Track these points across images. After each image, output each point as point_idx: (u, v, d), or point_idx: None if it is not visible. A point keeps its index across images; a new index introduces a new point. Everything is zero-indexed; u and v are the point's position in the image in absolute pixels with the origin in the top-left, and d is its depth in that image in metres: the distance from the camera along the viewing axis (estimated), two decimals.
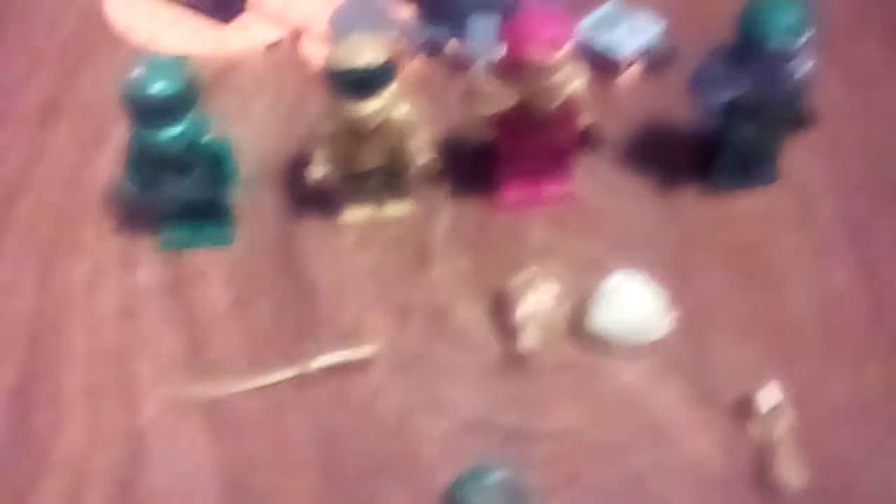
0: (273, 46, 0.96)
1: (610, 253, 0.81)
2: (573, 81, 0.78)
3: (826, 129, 0.87)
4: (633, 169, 0.87)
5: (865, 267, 0.81)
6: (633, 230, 0.84)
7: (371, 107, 0.76)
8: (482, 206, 0.85)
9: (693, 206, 0.85)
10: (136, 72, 0.74)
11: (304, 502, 0.71)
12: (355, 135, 0.78)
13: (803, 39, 0.76)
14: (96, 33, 0.99)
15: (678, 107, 0.85)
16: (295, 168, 0.84)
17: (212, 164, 0.79)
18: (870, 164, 0.87)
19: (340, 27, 0.94)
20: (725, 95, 0.79)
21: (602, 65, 0.91)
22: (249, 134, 0.88)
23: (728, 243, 0.83)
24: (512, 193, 0.85)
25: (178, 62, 0.75)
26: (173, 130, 0.75)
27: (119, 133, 0.83)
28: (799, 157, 0.86)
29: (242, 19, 0.97)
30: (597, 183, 0.86)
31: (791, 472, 0.70)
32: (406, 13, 0.95)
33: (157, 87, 0.73)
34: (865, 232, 0.83)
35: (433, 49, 0.93)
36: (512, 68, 0.77)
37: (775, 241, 0.83)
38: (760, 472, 0.71)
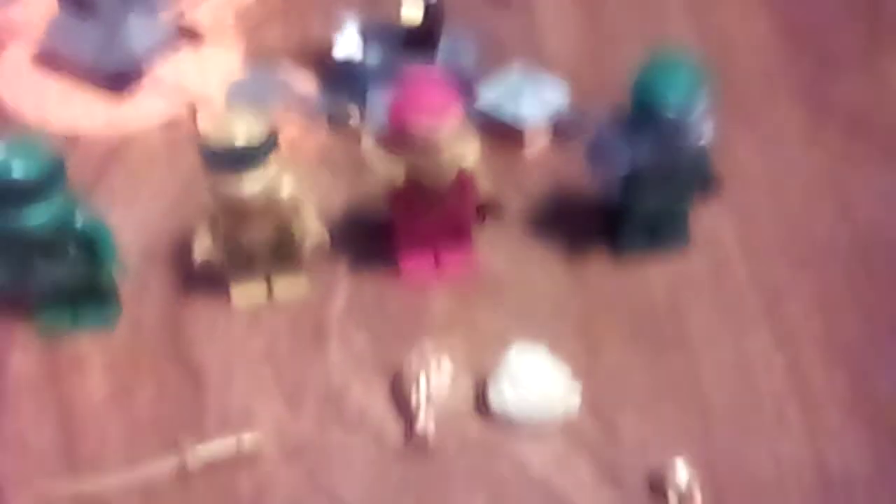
0: (169, 123, 0.92)
1: (514, 326, 0.77)
2: (465, 154, 0.74)
3: (738, 190, 0.84)
4: (540, 238, 0.84)
5: (779, 334, 0.78)
6: (538, 301, 0.80)
7: (251, 186, 0.72)
8: (382, 280, 0.81)
9: (601, 273, 0.81)
10: None
11: None
12: (238, 213, 0.74)
13: (699, 107, 0.74)
14: None
15: (585, 175, 0.82)
16: (184, 248, 0.79)
17: (87, 248, 0.74)
18: (782, 226, 0.84)
19: (238, 101, 0.90)
20: (623, 168, 0.76)
21: (507, 134, 0.88)
22: (139, 214, 0.83)
23: (638, 311, 0.79)
24: (412, 267, 0.81)
25: (41, 143, 0.71)
26: (40, 214, 0.70)
27: None
28: (710, 219, 0.83)
29: (138, 94, 0.93)
30: (501, 253, 0.82)
31: None
32: (307, 85, 0.92)
33: (19, 170, 0.69)
34: (779, 297, 0.80)
35: (335, 121, 0.90)
36: (398, 141, 0.73)
37: (687, 307, 0.79)
38: None
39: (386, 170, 0.74)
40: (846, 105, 0.93)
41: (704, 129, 0.75)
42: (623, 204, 0.80)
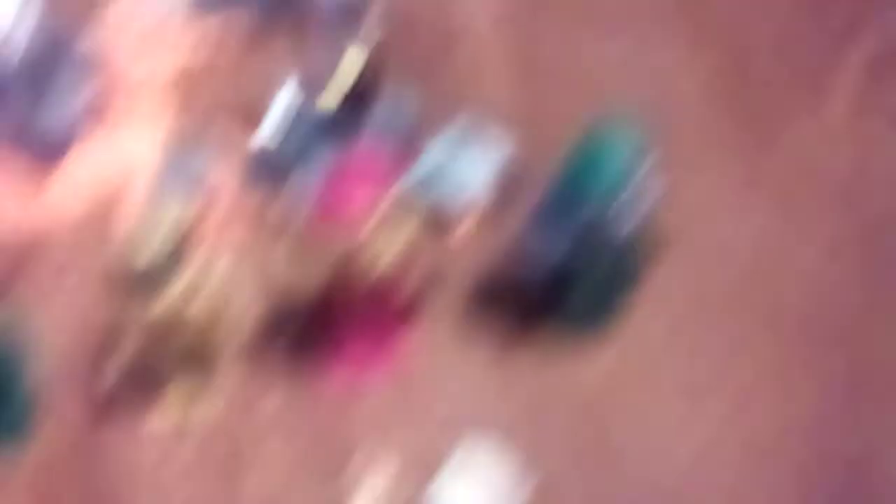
0: (83, 222, 0.88)
1: (451, 430, 0.76)
2: (391, 248, 0.73)
3: (673, 268, 0.83)
4: (472, 334, 0.82)
5: (728, 410, 0.77)
6: (473, 401, 0.79)
7: (161, 304, 0.70)
8: (310, 389, 0.79)
9: (530, 375, 0.80)
10: None
11: None
12: (151, 333, 0.72)
13: (628, 188, 0.72)
14: None
15: (519, 267, 0.80)
16: (98, 363, 0.77)
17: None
18: (717, 308, 0.84)
19: (156, 195, 0.87)
20: (553, 252, 0.74)
21: (436, 221, 0.86)
22: (50, 326, 0.80)
23: (574, 404, 0.79)
24: (340, 375, 0.79)
25: None
26: None
27: None
28: (641, 305, 0.82)
29: (50, 190, 0.88)
30: (433, 355, 0.81)
31: None
32: (227, 173, 0.89)
33: None
34: (708, 396, 0.79)
35: (260, 213, 0.87)
36: (324, 234, 0.72)
37: (617, 411, 0.80)
38: None
39: (310, 266, 0.72)
40: (784, 159, 0.92)
41: (628, 224, 0.73)
42: (556, 289, 0.78)
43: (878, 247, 0.86)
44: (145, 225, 0.71)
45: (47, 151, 0.89)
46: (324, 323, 0.77)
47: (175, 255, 0.70)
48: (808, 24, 1.03)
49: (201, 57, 0.97)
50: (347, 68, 0.85)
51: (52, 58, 0.89)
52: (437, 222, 0.86)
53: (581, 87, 0.98)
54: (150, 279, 0.70)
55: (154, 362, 0.74)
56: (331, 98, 0.86)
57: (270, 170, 0.86)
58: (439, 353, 0.81)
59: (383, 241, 0.72)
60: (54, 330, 0.81)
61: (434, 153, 0.87)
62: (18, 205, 0.88)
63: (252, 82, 0.94)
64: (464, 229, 0.87)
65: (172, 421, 0.77)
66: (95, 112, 0.92)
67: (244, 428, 0.77)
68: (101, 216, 0.88)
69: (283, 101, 0.87)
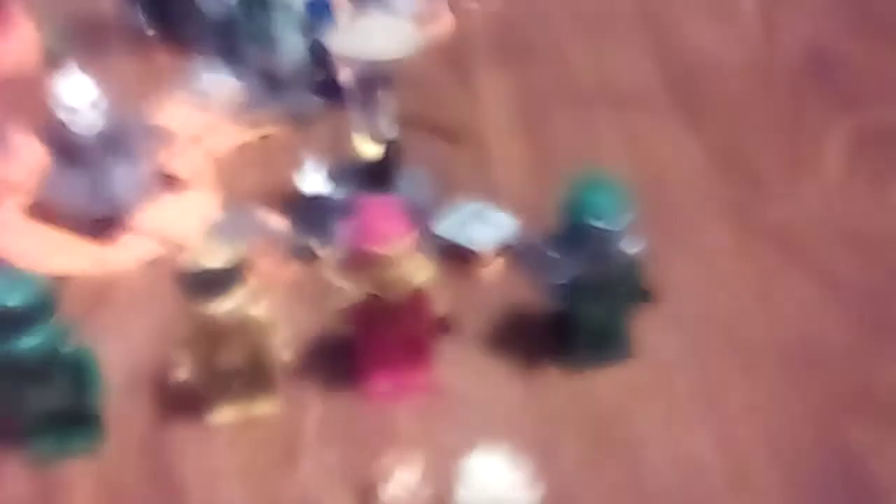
0: (152, 263, 0.99)
1: (474, 436, 0.83)
2: (420, 272, 0.82)
3: (676, 304, 0.91)
4: (496, 354, 0.90)
5: (723, 432, 0.84)
6: (496, 412, 0.86)
7: (223, 306, 0.80)
8: (350, 398, 0.87)
9: (553, 385, 0.88)
10: None
11: None
12: (213, 335, 0.81)
13: (625, 220, 0.82)
14: None
15: (536, 292, 0.89)
16: (165, 376, 0.86)
17: (74, 374, 0.80)
18: (721, 336, 0.91)
19: (217, 238, 0.98)
20: (563, 276, 0.84)
21: (462, 257, 0.96)
22: (123, 347, 0.89)
23: (588, 419, 0.85)
24: (377, 385, 0.87)
25: (31, 275, 0.79)
26: (30, 340, 0.77)
27: None
28: (651, 332, 0.90)
29: (123, 238, 1.00)
30: (459, 370, 0.89)
31: None
32: (279, 223, 1.00)
33: (11, 300, 0.76)
34: (721, 399, 0.86)
35: (304, 254, 0.97)
36: (357, 261, 0.81)
37: (633, 413, 0.86)
38: None
39: (347, 290, 0.81)
40: (774, 223, 1.01)
41: (632, 240, 0.83)
42: (570, 317, 0.87)
43: (877, 278, 0.94)
44: (207, 247, 0.81)
45: (118, 208, 1.01)
46: (362, 339, 0.86)
47: (234, 269, 0.80)
48: (796, 111, 1.15)
49: (249, 140, 1.10)
50: (369, 151, 0.97)
51: (123, 132, 1.02)
52: (465, 258, 0.96)
53: (584, 161, 1.08)
54: (214, 283, 0.79)
55: (217, 366, 0.83)
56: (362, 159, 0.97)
57: (314, 214, 0.96)
58: (466, 372, 0.89)
59: (412, 265, 0.81)
60: (128, 347, 0.90)
61: (456, 209, 0.98)
62: (92, 250, 1.00)
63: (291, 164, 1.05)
64: (489, 265, 0.96)
65: (233, 418, 0.86)
66: (161, 178, 1.04)
67: (295, 429, 0.86)
68: (167, 261, 0.99)
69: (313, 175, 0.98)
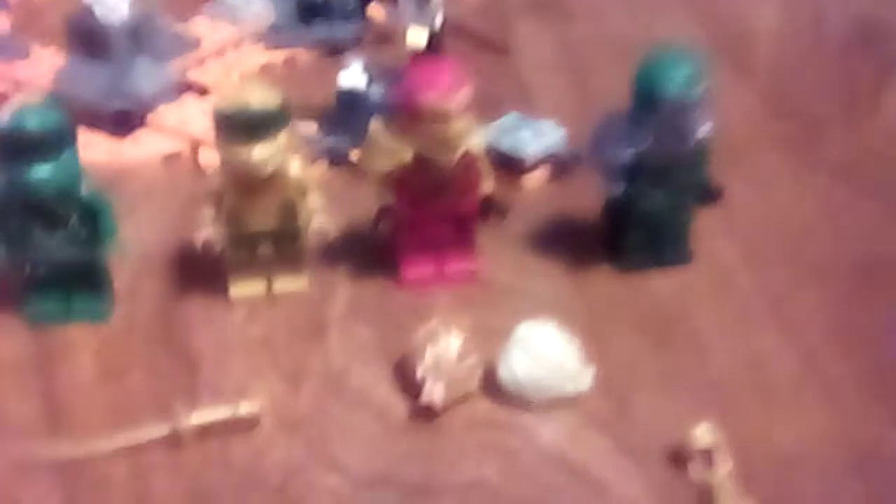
0: (170, 157, 0.93)
1: (517, 321, 0.75)
2: (471, 134, 0.76)
3: (735, 214, 0.85)
4: (542, 252, 0.83)
5: (789, 332, 0.76)
6: (541, 305, 0.78)
7: (262, 152, 0.72)
8: (382, 284, 0.80)
9: (604, 283, 0.81)
10: (8, 112, 0.70)
11: None
12: (246, 187, 0.74)
13: (699, 90, 0.76)
14: None
15: (585, 205, 0.83)
16: (181, 253, 0.79)
17: (87, 220, 0.73)
18: (782, 246, 0.85)
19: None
20: (626, 155, 0.77)
21: (508, 164, 0.89)
22: (137, 231, 0.82)
23: (642, 315, 0.78)
24: (414, 271, 0.80)
25: (50, 104, 0.72)
26: (47, 170, 0.70)
27: None
28: (711, 238, 0.83)
29: (140, 134, 0.94)
30: (504, 262, 0.82)
31: None
32: (308, 124, 0.94)
33: (29, 123, 0.70)
34: (786, 301, 0.79)
35: (335, 158, 0.91)
36: (408, 118, 0.74)
37: (691, 313, 0.78)
38: None
39: (394, 151, 0.75)
40: (834, 158, 0.96)
41: (703, 123, 0.77)
42: (625, 211, 0.80)
43: None
44: (248, 87, 0.73)
45: (138, 103, 0.95)
46: (403, 213, 0.78)
47: (277, 114, 0.73)
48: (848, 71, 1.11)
49: (272, 61, 1.05)
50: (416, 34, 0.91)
51: (149, 29, 0.97)
52: (512, 166, 0.89)
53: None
54: (253, 127, 0.72)
55: (245, 230, 0.75)
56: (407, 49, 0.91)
57: (349, 112, 0.90)
58: (511, 266, 0.81)
59: (460, 126, 0.73)
60: (141, 232, 0.82)
61: (500, 122, 0.92)
62: (108, 143, 0.93)
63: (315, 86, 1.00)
64: (535, 174, 0.90)
65: (256, 293, 0.78)
66: (183, 83, 0.98)
67: (321, 307, 0.77)
68: (185, 157, 0.92)
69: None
